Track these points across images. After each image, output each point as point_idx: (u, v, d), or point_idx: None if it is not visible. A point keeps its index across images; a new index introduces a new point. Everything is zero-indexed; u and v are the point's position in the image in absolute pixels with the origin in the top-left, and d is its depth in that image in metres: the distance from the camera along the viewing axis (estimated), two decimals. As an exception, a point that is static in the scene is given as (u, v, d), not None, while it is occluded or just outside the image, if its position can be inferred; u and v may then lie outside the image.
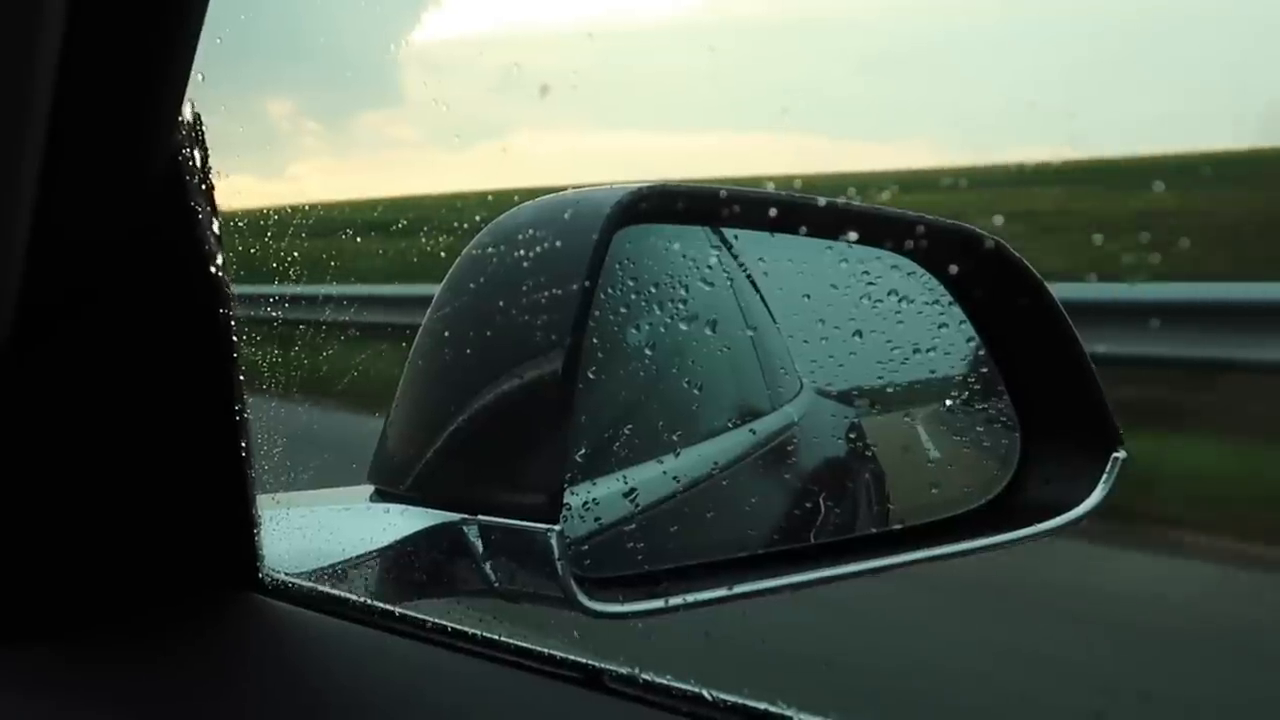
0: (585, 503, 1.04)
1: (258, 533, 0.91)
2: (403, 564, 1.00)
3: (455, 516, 0.97)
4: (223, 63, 0.82)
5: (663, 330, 1.18)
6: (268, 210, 1.26)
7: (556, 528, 0.91)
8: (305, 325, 1.35)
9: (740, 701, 0.70)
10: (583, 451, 1.05)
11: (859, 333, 1.32)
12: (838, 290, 1.31)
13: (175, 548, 0.89)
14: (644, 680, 0.73)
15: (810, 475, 1.44)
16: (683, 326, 1.21)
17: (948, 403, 1.39)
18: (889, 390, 1.37)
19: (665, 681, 0.73)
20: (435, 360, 1.04)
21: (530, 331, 0.95)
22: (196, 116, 0.82)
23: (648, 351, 1.18)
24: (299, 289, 1.26)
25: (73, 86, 0.67)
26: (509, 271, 0.99)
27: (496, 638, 0.81)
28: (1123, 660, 3.50)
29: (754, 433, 1.36)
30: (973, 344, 1.33)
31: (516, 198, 1.03)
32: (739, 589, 1.04)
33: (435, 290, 1.05)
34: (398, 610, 0.88)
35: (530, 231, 0.99)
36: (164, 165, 0.79)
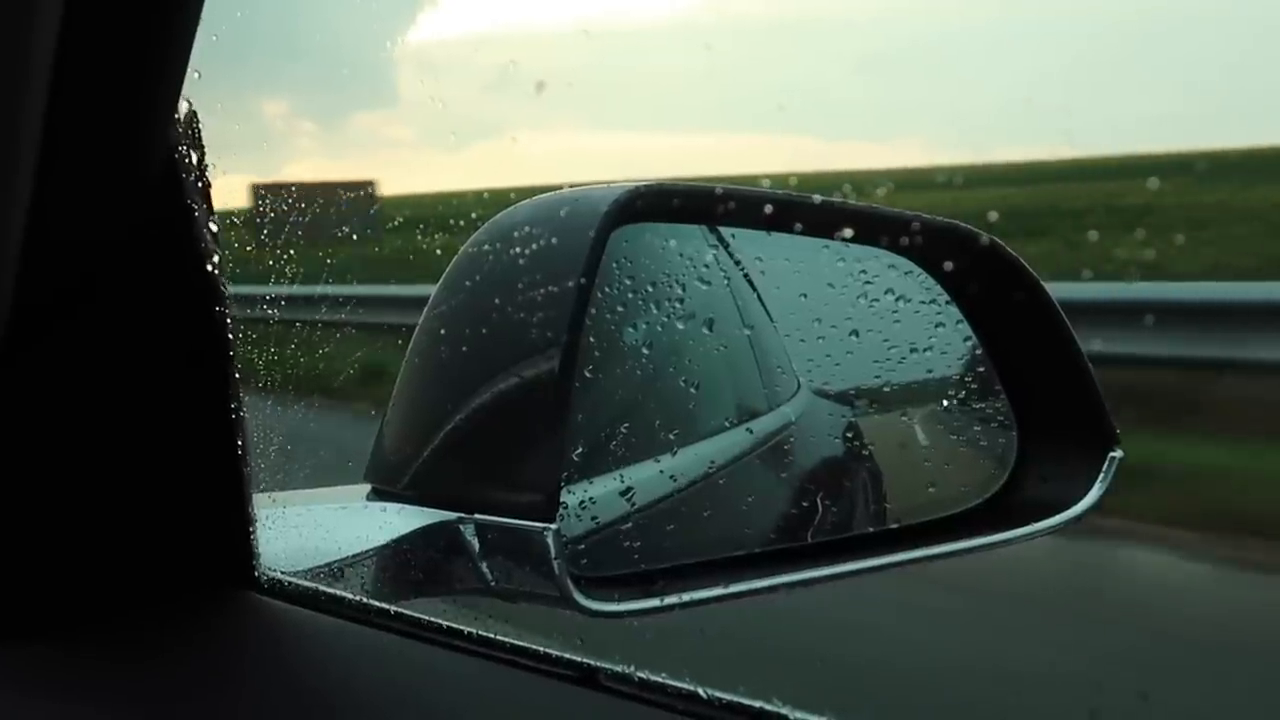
0: (582, 502, 1.04)
1: (254, 531, 0.91)
2: (399, 563, 1.00)
3: (452, 515, 0.97)
4: (218, 62, 0.83)
5: (660, 329, 1.18)
6: (264, 209, 1.26)
7: (553, 527, 0.91)
8: (301, 324, 1.35)
9: (735, 699, 0.70)
10: (579, 450, 1.05)
11: (856, 332, 1.32)
12: (835, 289, 1.31)
13: (172, 546, 0.89)
14: (639, 678, 0.73)
15: (807, 475, 1.44)
16: (680, 325, 1.20)
17: (945, 402, 1.39)
18: (886, 389, 1.37)
19: (660, 680, 0.73)
20: (432, 359, 1.04)
21: (527, 330, 0.95)
22: (193, 114, 0.82)
23: (645, 350, 1.18)
24: (295, 289, 1.26)
25: (68, 82, 0.67)
26: (505, 269, 0.99)
27: (493, 636, 0.81)
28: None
29: (751, 432, 1.36)
30: (969, 343, 1.33)
31: (513, 195, 1.03)
32: (735, 588, 1.04)
33: (432, 290, 1.05)
34: (394, 609, 0.88)
35: (527, 229, 0.99)
36: (160, 162, 0.79)
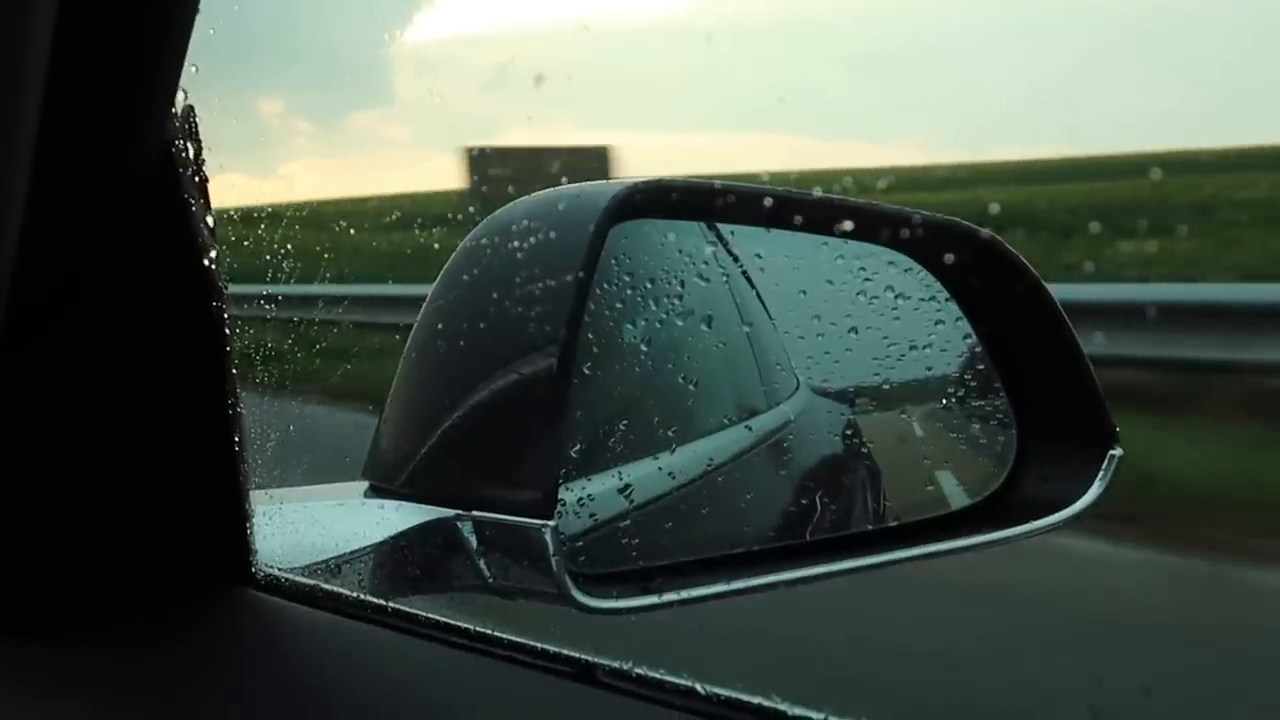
0: (580, 499, 1.03)
1: (251, 527, 0.90)
2: (397, 559, 1.00)
3: (450, 512, 0.97)
4: (216, 60, 0.82)
5: (659, 326, 1.17)
6: (260, 206, 1.26)
7: (551, 523, 0.91)
8: (299, 320, 1.35)
9: (733, 695, 0.70)
10: (578, 447, 1.04)
11: (855, 329, 1.32)
12: (834, 286, 1.31)
13: (169, 542, 0.89)
14: (637, 674, 0.73)
15: (806, 472, 1.43)
16: (679, 322, 1.20)
17: (944, 400, 1.39)
18: (885, 387, 1.36)
19: (658, 676, 0.72)
20: (430, 355, 1.04)
21: (525, 325, 0.95)
22: (189, 109, 0.82)
23: (643, 347, 1.17)
24: (292, 288, 1.26)
25: (65, 74, 0.67)
26: (504, 265, 0.99)
27: (490, 632, 0.81)
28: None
29: (750, 430, 1.36)
30: (969, 341, 1.32)
31: (511, 188, 1.03)
32: (734, 585, 1.04)
33: (429, 290, 1.05)
34: (391, 605, 0.88)
35: (525, 224, 0.99)
36: (157, 157, 0.79)
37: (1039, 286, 1.26)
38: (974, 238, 1.28)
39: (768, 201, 1.15)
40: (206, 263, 0.84)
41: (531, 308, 0.95)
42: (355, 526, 1.01)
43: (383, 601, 0.89)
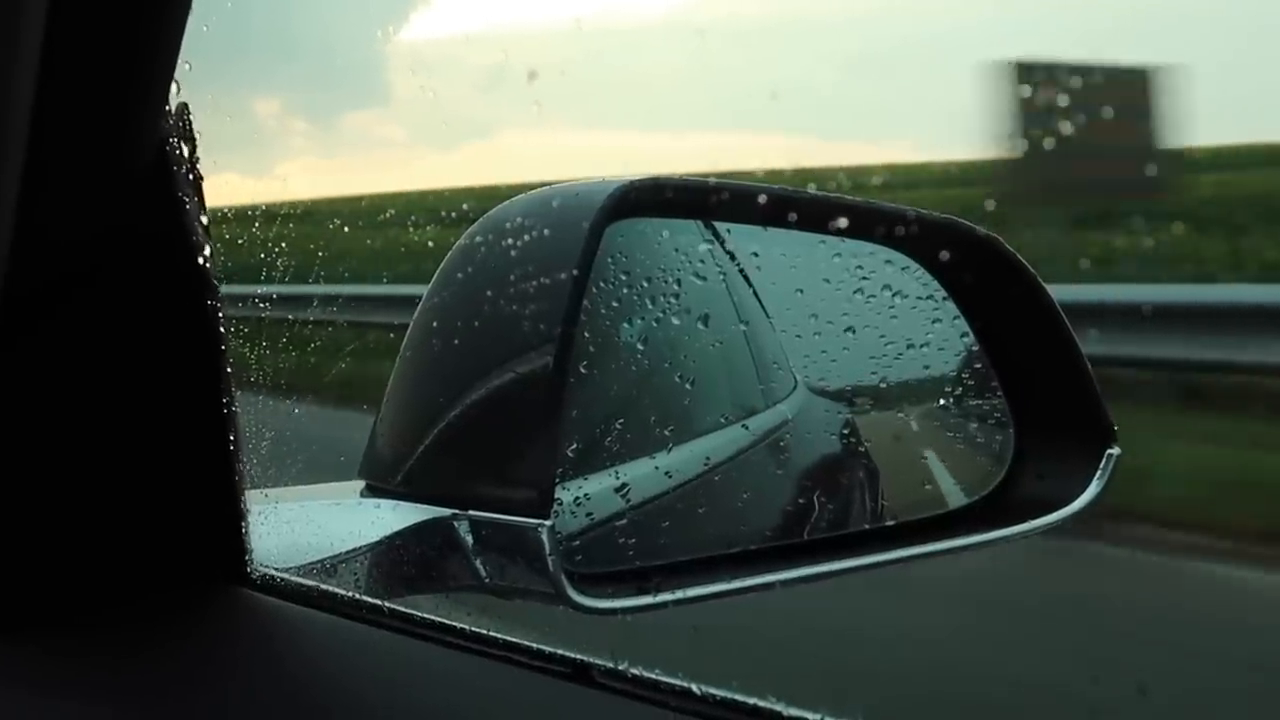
0: (576, 498, 1.03)
1: (246, 527, 0.90)
2: (393, 559, 0.99)
3: (446, 512, 0.97)
4: (210, 58, 0.82)
5: (655, 325, 1.17)
6: (255, 205, 1.26)
7: (547, 523, 0.91)
8: (294, 319, 1.35)
9: (728, 696, 0.70)
10: (574, 446, 1.04)
11: (852, 328, 1.32)
12: (831, 285, 1.31)
13: (164, 542, 0.89)
14: (632, 675, 0.73)
15: (804, 472, 1.43)
16: (675, 321, 1.20)
17: (942, 399, 1.39)
18: (882, 386, 1.36)
19: (653, 676, 0.72)
20: (425, 354, 1.04)
21: (520, 324, 0.94)
22: (184, 107, 0.82)
23: (640, 346, 1.17)
24: (287, 288, 1.25)
25: (58, 71, 0.66)
26: (499, 263, 0.99)
27: (486, 632, 0.80)
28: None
29: (747, 429, 1.36)
30: (967, 340, 1.32)
31: (506, 189, 1.03)
32: (731, 585, 1.03)
33: (424, 289, 1.05)
34: (387, 605, 0.87)
35: (521, 221, 0.99)
36: (151, 155, 0.79)
37: (1037, 285, 1.26)
38: (971, 236, 1.28)
39: (764, 200, 1.15)
40: (201, 261, 0.84)
41: (527, 306, 0.94)
42: (351, 526, 1.01)
43: (379, 601, 0.88)
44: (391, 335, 1.05)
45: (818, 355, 1.34)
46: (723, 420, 1.33)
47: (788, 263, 1.32)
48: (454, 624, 0.82)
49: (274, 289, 1.24)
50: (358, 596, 0.90)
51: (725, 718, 0.70)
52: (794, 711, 0.68)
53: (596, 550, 1.03)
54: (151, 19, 0.70)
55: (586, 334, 1.01)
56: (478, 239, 1.01)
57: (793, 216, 1.19)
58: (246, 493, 0.91)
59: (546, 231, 0.98)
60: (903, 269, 1.31)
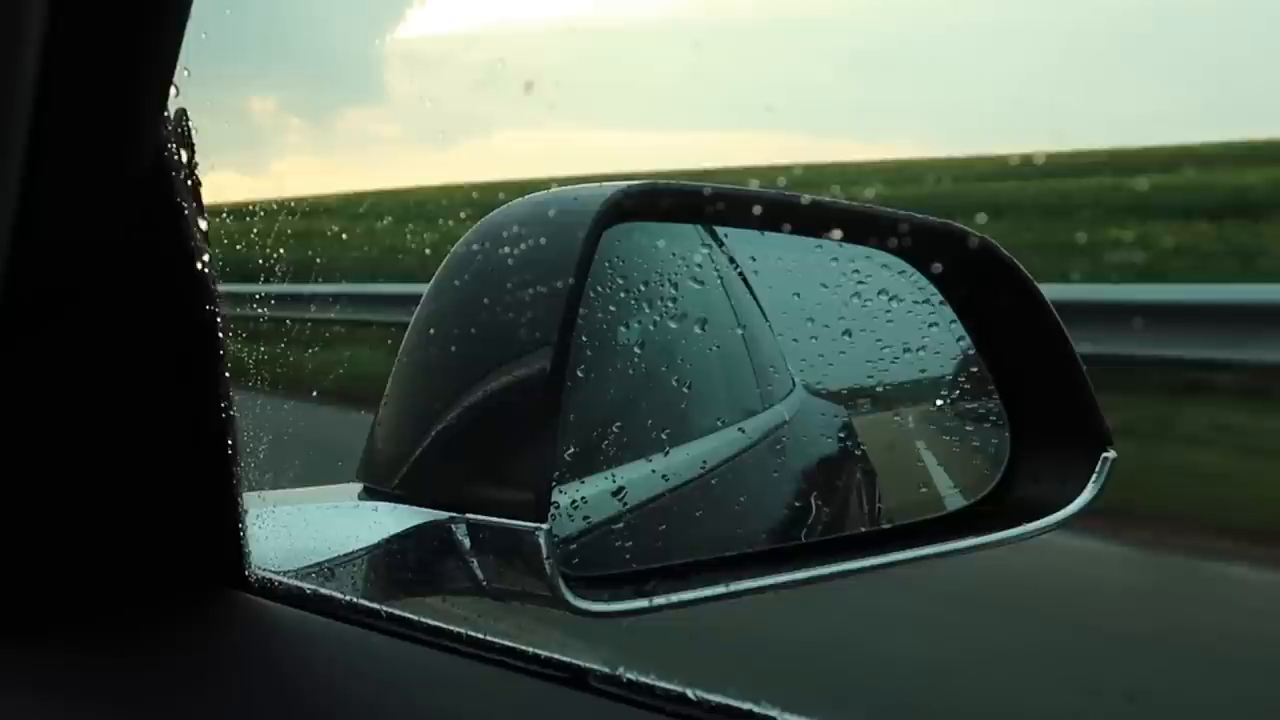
0: (574, 501, 1.03)
1: (244, 530, 0.90)
2: (390, 562, 1.00)
3: (443, 515, 0.97)
4: (207, 60, 0.82)
5: (652, 328, 1.17)
6: (252, 205, 1.26)
7: (545, 526, 0.91)
8: (292, 321, 1.35)
9: (724, 701, 0.70)
10: (571, 450, 1.04)
11: (849, 332, 1.32)
12: (828, 289, 1.31)
13: (162, 545, 0.89)
14: (628, 680, 0.73)
15: (801, 474, 1.43)
16: (672, 325, 1.20)
17: (938, 402, 1.39)
18: (879, 389, 1.37)
19: (649, 681, 0.72)
20: (423, 358, 1.04)
21: (517, 329, 0.95)
22: (182, 112, 0.82)
23: (637, 350, 1.17)
24: (285, 287, 1.25)
25: (56, 77, 0.67)
26: (496, 269, 0.99)
27: (482, 636, 0.81)
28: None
29: (744, 432, 1.36)
30: (963, 343, 1.33)
31: (502, 195, 1.03)
32: (728, 588, 1.04)
33: (422, 289, 1.05)
34: (385, 609, 0.87)
35: (517, 228, 0.99)
36: (149, 160, 0.79)
37: (1032, 289, 1.27)
38: (967, 240, 1.28)
39: (759, 207, 1.15)
40: (199, 266, 0.84)
41: (524, 313, 0.95)
42: (349, 529, 1.01)
43: (376, 605, 0.88)
44: (389, 341, 1.05)
45: (815, 359, 1.34)
46: (720, 423, 1.33)
47: (785, 267, 1.32)
48: (451, 628, 0.83)
49: (271, 288, 1.24)
50: (355, 600, 0.90)
51: None
52: (790, 717, 0.68)
53: (593, 554, 1.03)
54: (150, 26, 0.70)
55: (583, 338, 1.01)
56: (474, 247, 1.01)
57: (789, 222, 1.19)
58: (244, 495, 0.91)
59: (543, 240, 0.98)
60: (899, 273, 1.31)
